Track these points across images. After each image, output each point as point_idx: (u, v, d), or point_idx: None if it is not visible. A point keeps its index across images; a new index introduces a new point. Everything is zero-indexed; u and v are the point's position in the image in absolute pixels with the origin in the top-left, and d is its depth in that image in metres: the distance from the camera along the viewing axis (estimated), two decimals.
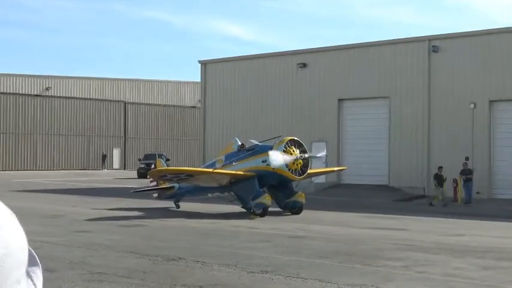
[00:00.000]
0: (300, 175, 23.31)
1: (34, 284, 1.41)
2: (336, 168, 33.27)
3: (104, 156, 71.89)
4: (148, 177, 28.04)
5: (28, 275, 1.40)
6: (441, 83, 35.69)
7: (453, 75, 35.35)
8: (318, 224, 20.73)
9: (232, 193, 24.12)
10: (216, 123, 44.77)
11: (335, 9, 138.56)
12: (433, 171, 34.91)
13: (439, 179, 31.01)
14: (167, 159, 52.93)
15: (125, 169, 72.25)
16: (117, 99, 75.42)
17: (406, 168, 36.47)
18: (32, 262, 1.41)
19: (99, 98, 73.83)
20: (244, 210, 23.23)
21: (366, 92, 38.48)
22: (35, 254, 1.43)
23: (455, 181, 32.04)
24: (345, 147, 39.45)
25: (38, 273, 1.43)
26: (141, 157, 62.27)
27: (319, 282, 11.13)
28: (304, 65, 40.93)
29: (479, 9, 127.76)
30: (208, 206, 26.18)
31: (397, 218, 23.45)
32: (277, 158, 22.92)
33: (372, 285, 10.88)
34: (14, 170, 63.86)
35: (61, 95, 71.07)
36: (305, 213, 23.65)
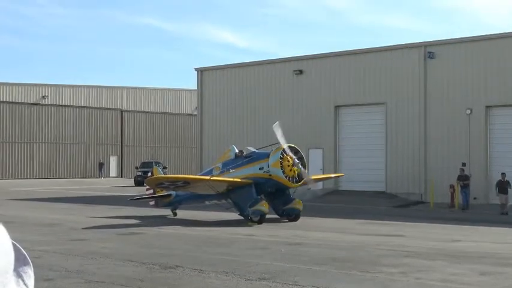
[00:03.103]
0: (297, 182, 23.31)
1: (25, 284, 1.39)
2: (332, 175, 33.29)
3: (101, 164, 71.83)
4: (145, 185, 28.00)
5: (18, 275, 1.38)
6: (437, 88, 35.76)
7: (449, 81, 35.42)
8: (315, 231, 20.72)
9: (229, 200, 24.11)
10: (213, 130, 44.78)
11: (330, 15, 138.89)
12: (429, 177, 34.95)
13: (502, 186, 29.75)
14: (164, 167, 52.96)
15: (122, 177, 72.17)
16: (113, 107, 75.42)
17: (403, 174, 36.49)
18: (22, 261, 1.40)
19: (95, 106, 73.84)
20: (242, 218, 23.22)
21: (362, 98, 38.53)
22: (24, 252, 1.41)
23: (452, 187, 32.07)
24: (341, 153, 39.46)
25: (29, 273, 1.41)
26: (138, 165, 62.22)
27: None
28: (300, 72, 40.98)
29: (475, 15, 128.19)
30: (206, 213, 26.17)
31: (394, 224, 23.45)
32: (281, 135, 23.04)
33: None
34: (11, 179, 63.75)
35: (57, 103, 71.09)
36: (302, 220, 23.64)
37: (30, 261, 1.43)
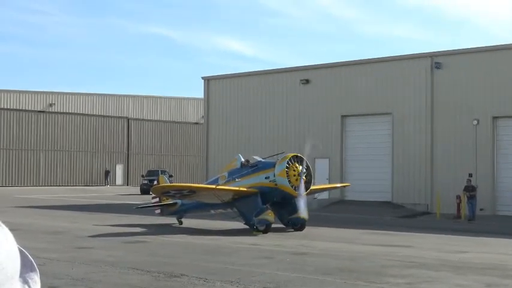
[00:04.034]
0: (304, 191, 23.23)
1: None
2: (339, 185, 33.21)
3: (107, 172, 71.93)
4: (151, 193, 28.02)
5: (25, 281, 1.38)
6: (444, 99, 35.72)
7: (456, 92, 35.39)
8: (321, 241, 20.67)
9: (235, 209, 24.08)
10: (219, 139, 44.81)
11: (338, 25, 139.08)
12: (436, 188, 34.88)
13: None
14: (170, 176, 52.92)
15: (127, 185, 72.26)
16: (120, 115, 75.59)
17: (409, 184, 36.42)
18: (29, 268, 1.40)
19: (102, 114, 74.02)
20: (247, 227, 23.18)
21: (368, 108, 38.52)
22: (31, 258, 1.42)
23: (458, 197, 31.97)
24: (348, 163, 39.42)
25: (35, 279, 1.41)
26: (144, 173, 62.29)
27: None
28: (307, 81, 41.01)
29: (481, 26, 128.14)
30: (211, 222, 26.15)
31: (400, 234, 23.39)
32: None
33: None
34: (17, 186, 63.89)
35: (64, 111, 71.30)
36: (308, 229, 23.58)
37: (36, 267, 1.43)
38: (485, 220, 30.51)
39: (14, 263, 1.34)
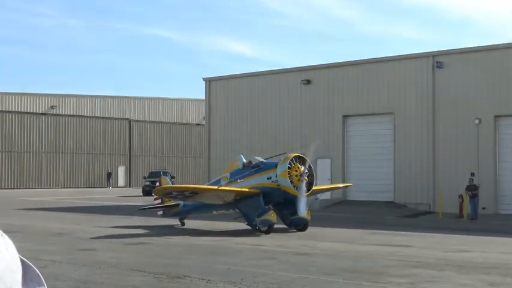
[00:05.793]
0: (305, 192, 23.22)
1: None
2: (341, 185, 33.16)
3: (109, 174, 71.94)
4: (153, 194, 28.00)
5: None
6: (446, 98, 35.68)
7: (457, 91, 35.35)
8: (324, 241, 20.66)
9: (237, 210, 24.06)
10: (221, 140, 44.80)
11: (339, 26, 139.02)
12: (438, 187, 34.86)
13: None
14: (172, 177, 52.92)
15: (130, 187, 72.27)
16: (122, 117, 75.65)
17: (411, 184, 36.39)
18: (36, 282, 1.38)
19: (104, 116, 74.10)
20: (250, 228, 23.17)
21: (370, 108, 38.50)
22: (39, 273, 1.40)
23: (460, 197, 31.95)
24: (349, 163, 39.40)
25: None
26: (146, 175, 62.27)
27: None
28: (308, 82, 40.99)
29: (482, 25, 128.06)
30: (213, 223, 26.15)
31: (402, 234, 23.36)
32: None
33: None
34: (20, 188, 63.94)
35: (66, 113, 71.41)
36: (310, 230, 23.57)
37: (44, 281, 1.40)
38: (488, 219, 30.48)
39: (15, 274, 1.31)
